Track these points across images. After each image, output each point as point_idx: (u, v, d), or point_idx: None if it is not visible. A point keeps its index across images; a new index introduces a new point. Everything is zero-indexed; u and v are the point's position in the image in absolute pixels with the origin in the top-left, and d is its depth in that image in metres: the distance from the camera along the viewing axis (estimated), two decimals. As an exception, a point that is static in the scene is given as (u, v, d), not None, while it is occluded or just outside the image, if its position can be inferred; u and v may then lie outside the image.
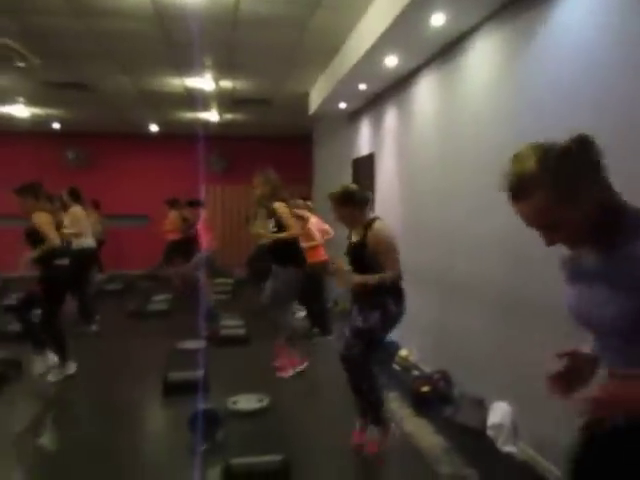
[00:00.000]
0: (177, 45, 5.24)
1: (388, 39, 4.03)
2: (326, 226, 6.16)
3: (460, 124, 4.02)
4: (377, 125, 6.14)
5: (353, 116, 7.20)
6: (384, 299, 3.12)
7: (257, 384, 4.45)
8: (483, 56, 3.69)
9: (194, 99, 7.51)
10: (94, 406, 4.28)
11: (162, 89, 7.17)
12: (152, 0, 4.19)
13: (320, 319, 6.00)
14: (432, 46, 4.21)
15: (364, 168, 6.59)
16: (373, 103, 6.26)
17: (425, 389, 3.94)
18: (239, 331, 5.99)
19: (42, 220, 4.41)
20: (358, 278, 3.15)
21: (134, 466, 3.28)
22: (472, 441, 3.41)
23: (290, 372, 4.70)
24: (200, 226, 7.24)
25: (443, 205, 4.35)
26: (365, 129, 6.70)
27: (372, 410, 3.26)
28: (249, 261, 9.30)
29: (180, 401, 3.97)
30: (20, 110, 8.51)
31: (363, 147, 6.76)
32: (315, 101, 7.14)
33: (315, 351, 5.43)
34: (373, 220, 3.24)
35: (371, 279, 3.10)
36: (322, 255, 5.85)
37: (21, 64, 5.83)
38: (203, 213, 7.38)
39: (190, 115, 8.99)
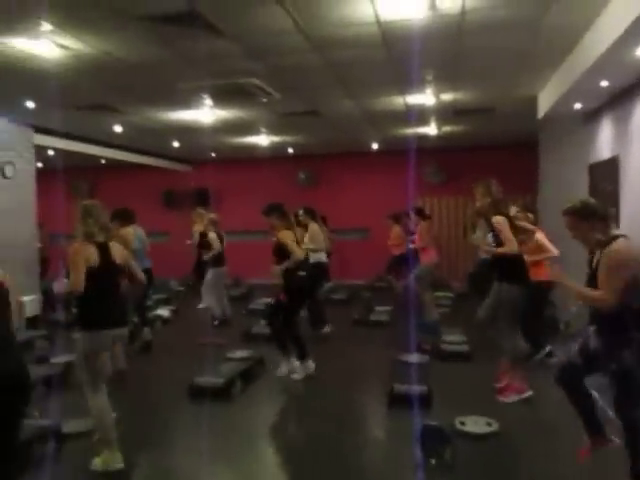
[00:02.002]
0: (400, 64, 5.40)
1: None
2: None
3: None
4: (622, 124, 5.41)
5: (590, 116, 6.48)
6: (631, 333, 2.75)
7: (482, 405, 4.28)
8: None
9: (414, 115, 7.65)
10: (324, 407, 4.59)
11: (384, 108, 7.47)
12: (380, 27, 4.41)
13: (537, 340, 5.46)
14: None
15: (604, 174, 5.85)
16: (617, 100, 5.54)
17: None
18: (462, 347, 5.84)
19: (287, 237, 4.97)
20: (571, 284, 3.01)
21: (359, 471, 3.43)
22: None
23: (512, 398, 4.41)
24: (419, 238, 7.31)
25: None
26: (606, 130, 5.96)
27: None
28: (470, 274, 9.04)
29: (404, 413, 4.04)
30: (262, 139, 9.76)
31: (603, 150, 6.02)
32: (545, 104, 6.64)
33: (540, 373, 4.98)
34: (615, 238, 2.85)
35: (584, 291, 2.90)
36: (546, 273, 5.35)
37: (264, 99, 6.69)
38: (423, 225, 7.42)
39: (409, 130, 9.17)
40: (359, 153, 11.70)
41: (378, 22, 4.32)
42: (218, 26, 4.27)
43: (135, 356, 5.91)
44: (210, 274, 7.50)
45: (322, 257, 6.92)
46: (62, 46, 4.61)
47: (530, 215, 5.72)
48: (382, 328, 7.33)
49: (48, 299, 7.72)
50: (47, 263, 8.66)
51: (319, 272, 6.77)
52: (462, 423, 3.80)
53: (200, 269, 8.44)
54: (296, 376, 5.12)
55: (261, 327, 7.00)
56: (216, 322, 7.45)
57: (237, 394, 4.70)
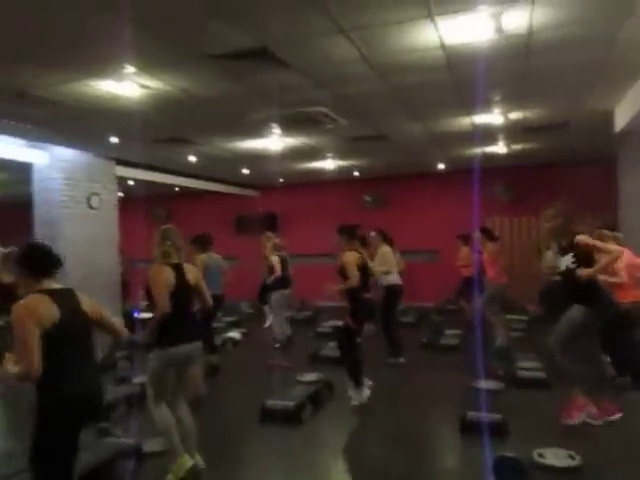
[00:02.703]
0: (465, 86, 5.37)
1: None
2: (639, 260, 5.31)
3: None
4: None
5: (672, 130, 6.13)
6: None
7: (563, 436, 4.07)
8: None
9: (481, 134, 7.54)
10: (394, 433, 4.52)
11: (450, 129, 7.41)
12: (445, 51, 4.43)
13: (629, 367, 5.13)
14: None
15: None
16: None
17: None
18: (538, 374, 5.59)
19: (348, 260, 4.94)
20: None
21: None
22: None
23: (580, 418, 4.19)
24: (487, 259, 7.11)
25: None
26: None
27: None
28: (541, 296, 8.67)
29: (477, 442, 3.91)
30: (329, 163, 9.93)
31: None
32: (622, 118, 6.35)
33: (630, 404, 4.67)
34: None
35: None
36: (635, 294, 5.06)
37: (330, 126, 6.84)
38: (491, 246, 7.21)
39: (476, 149, 9.03)
40: (425, 174, 11.62)
41: (443, 46, 4.35)
42: (286, 60, 4.46)
43: (206, 377, 6.10)
44: (274, 296, 7.63)
45: (395, 279, 6.79)
46: (143, 86, 4.96)
47: (618, 234, 5.44)
48: (452, 352, 7.15)
49: (129, 321, 8.14)
50: (127, 287, 9.16)
51: (393, 294, 6.72)
52: (541, 455, 3.62)
53: (264, 292, 8.62)
54: (354, 401, 5.05)
55: (329, 350, 7.04)
56: (277, 345, 7.56)
57: (307, 418, 4.73)
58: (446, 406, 5.03)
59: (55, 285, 2.54)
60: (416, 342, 7.56)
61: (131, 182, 9.97)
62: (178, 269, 3.55)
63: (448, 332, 8.03)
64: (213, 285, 6.20)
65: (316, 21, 3.76)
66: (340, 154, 9.20)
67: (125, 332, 2.81)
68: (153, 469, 3.75)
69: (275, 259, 7.55)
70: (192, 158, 8.75)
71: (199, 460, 3.54)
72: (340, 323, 7.52)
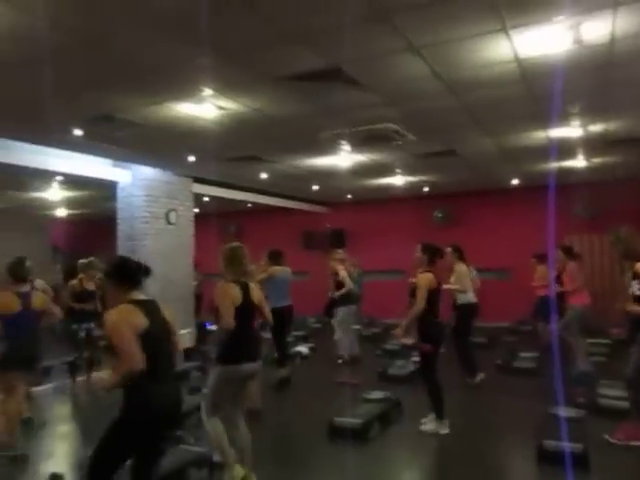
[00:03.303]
0: (541, 99, 5.20)
1: None
2: None
3: None
4: None
5: None
6: None
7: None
8: None
9: (558, 148, 7.24)
10: (465, 458, 4.35)
11: (524, 144, 7.18)
12: (519, 64, 4.32)
13: None
14: None
15: None
16: None
17: None
18: (621, 403, 5.21)
19: (421, 284, 4.76)
20: None
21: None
22: None
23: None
24: (567, 279, 6.76)
25: None
26: None
27: None
28: (628, 321, 8.10)
29: (555, 473, 3.71)
30: (397, 179, 9.88)
31: None
32: None
33: None
34: None
35: None
36: None
37: (400, 142, 6.82)
38: (573, 265, 6.85)
39: (553, 164, 8.67)
40: (498, 190, 11.29)
41: (517, 60, 4.25)
42: (357, 79, 4.52)
43: (275, 391, 6.19)
44: (340, 312, 7.63)
45: (470, 298, 6.58)
46: (220, 107, 5.19)
47: None
48: (528, 376, 6.83)
49: (201, 332, 8.44)
50: (200, 300, 9.51)
51: (468, 313, 6.54)
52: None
53: (331, 307, 8.64)
54: (425, 427, 4.88)
55: (397, 368, 6.94)
56: (340, 361, 7.53)
57: (374, 436, 4.68)
58: (521, 432, 4.80)
59: (141, 296, 2.68)
60: (489, 364, 7.28)
61: (206, 198, 10.38)
62: (245, 287, 3.64)
63: (523, 354, 7.68)
64: (284, 298, 6.36)
65: (387, 40, 3.79)
66: (409, 170, 9.14)
67: (180, 349, 2.91)
68: (222, 479, 3.84)
69: (343, 274, 7.57)
70: (264, 175, 9.00)
71: (253, 478, 3.56)
72: (408, 342, 7.41)
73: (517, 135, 6.78)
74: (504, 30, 3.71)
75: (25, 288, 4.47)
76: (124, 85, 4.59)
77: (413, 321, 4.76)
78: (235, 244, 3.83)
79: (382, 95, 5.04)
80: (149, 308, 2.61)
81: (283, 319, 6.15)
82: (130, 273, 2.69)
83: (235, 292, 3.57)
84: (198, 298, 9.30)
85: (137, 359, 2.42)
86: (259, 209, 12.83)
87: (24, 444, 4.51)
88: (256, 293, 3.76)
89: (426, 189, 11.24)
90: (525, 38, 3.84)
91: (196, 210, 9.56)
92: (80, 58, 3.98)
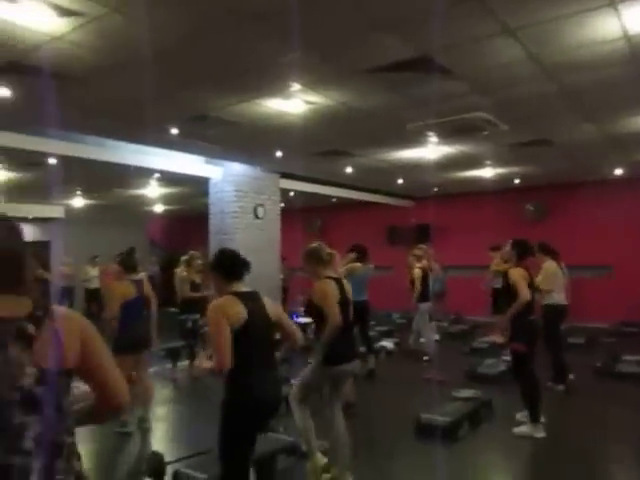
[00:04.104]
0: (652, 80, 4.77)
1: None
2: None
3: None
4: None
5: None
6: None
7: None
8: None
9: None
10: (557, 465, 4.10)
11: (632, 129, 6.62)
12: (629, 42, 3.98)
13: None
14: None
15: None
16: None
17: None
18: None
19: (516, 277, 4.53)
20: None
21: None
22: None
23: None
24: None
25: None
26: None
27: None
28: None
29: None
30: (486, 171, 9.50)
31: None
32: None
33: None
34: None
35: None
36: None
37: (489, 132, 6.53)
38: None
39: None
40: (598, 181, 10.52)
41: (626, 37, 3.91)
42: (447, 67, 4.38)
43: (360, 384, 6.18)
44: (419, 309, 7.45)
45: (557, 299, 6.03)
46: (307, 102, 5.24)
47: None
48: (632, 381, 6.32)
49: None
50: (287, 292, 9.71)
51: (554, 315, 6.06)
52: None
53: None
54: (518, 430, 4.65)
55: (486, 367, 6.68)
56: (426, 357, 7.39)
57: (463, 436, 4.54)
58: (623, 445, 4.45)
59: (244, 288, 2.75)
60: (587, 367, 6.82)
61: (291, 193, 10.57)
62: (339, 283, 3.60)
63: (626, 357, 7.12)
64: (361, 293, 6.33)
65: (480, 23, 3.64)
66: (500, 161, 8.75)
67: (300, 336, 2.90)
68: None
69: (417, 272, 7.34)
70: (349, 169, 9.00)
71: (348, 478, 3.53)
72: (500, 340, 7.11)
73: (626, 120, 6.26)
74: (612, 4, 3.42)
75: (138, 276, 4.90)
76: (218, 84, 4.76)
77: (512, 317, 4.54)
78: (314, 244, 3.74)
79: (473, 83, 4.85)
80: (250, 300, 2.67)
81: (362, 313, 6.17)
82: (231, 266, 2.76)
83: (335, 288, 3.53)
84: (284, 291, 9.51)
85: (226, 358, 2.48)
86: (343, 204, 12.87)
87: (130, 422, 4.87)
88: (349, 289, 3.71)
89: (517, 181, 10.71)
90: (636, 12, 3.53)
91: (281, 205, 9.77)
92: (178, 60, 4.18)
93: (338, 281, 3.63)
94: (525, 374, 4.57)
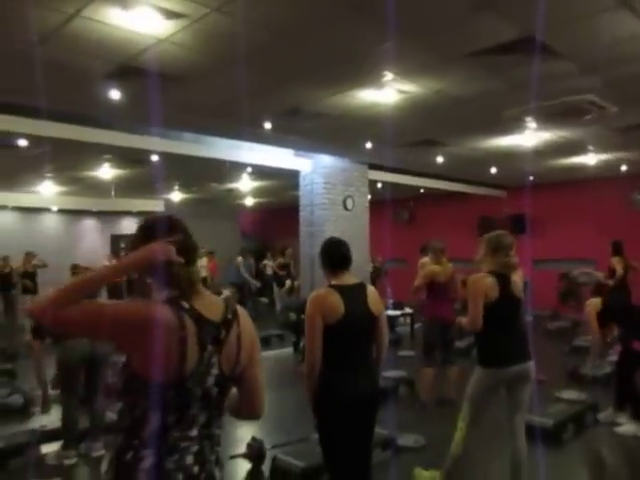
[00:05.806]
0: None
1: None
2: None
3: None
4: None
5: None
6: None
7: None
8: None
9: None
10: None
11: None
12: None
13: None
14: None
15: None
16: None
17: None
18: None
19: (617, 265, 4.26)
20: None
21: None
22: None
23: None
24: None
25: None
26: None
27: None
28: None
29: None
30: (589, 158, 8.86)
31: None
32: None
33: None
34: None
35: None
36: None
37: (593, 115, 6.04)
38: None
39: None
40: None
41: None
42: (553, 47, 4.11)
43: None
44: None
45: None
46: (400, 91, 5.14)
47: None
48: None
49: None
50: (375, 286, 9.64)
51: None
52: None
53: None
54: (621, 430, 4.34)
55: (589, 368, 6.26)
56: None
57: (568, 439, 4.28)
58: None
59: (348, 280, 2.62)
60: None
61: (379, 184, 10.47)
62: (503, 280, 3.08)
63: None
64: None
65: (594, -2, 3.37)
66: (604, 147, 8.12)
67: (387, 342, 2.71)
68: (405, 462, 3.84)
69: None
70: (439, 159, 8.76)
71: None
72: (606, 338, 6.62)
73: None
74: None
75: None
76: (312, 78, 4.80)
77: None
78: (502, 232, 3.26)
79: (580, 62, 4.52)
80: (350, 293, 2.55)
81: None
82: (333, 256, 2.65)
83: (489, 285, 3.04)
84: (373, 283, 9.46)
85: (316, 357, 2.44)
86: (431, 194, 12.55)
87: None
88: (517, 287, 3.15)
89: (624, 168, 9.88)
90: None
91: (369, 196, 9.71)
92: (275, 56, 4.25)
93: (502, 278, 3.08)
94: (631, 374, 4.32)
